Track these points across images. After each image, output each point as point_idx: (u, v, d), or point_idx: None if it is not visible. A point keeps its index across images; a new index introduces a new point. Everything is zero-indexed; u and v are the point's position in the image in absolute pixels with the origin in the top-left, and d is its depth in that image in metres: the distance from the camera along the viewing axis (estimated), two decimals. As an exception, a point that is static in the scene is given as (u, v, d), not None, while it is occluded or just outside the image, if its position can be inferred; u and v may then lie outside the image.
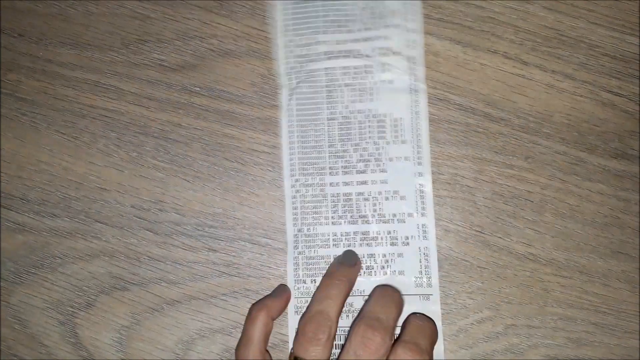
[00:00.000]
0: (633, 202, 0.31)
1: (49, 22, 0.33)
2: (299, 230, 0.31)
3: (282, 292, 0.30)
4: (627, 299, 0.30)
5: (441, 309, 0.30)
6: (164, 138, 0.32)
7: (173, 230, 0.31)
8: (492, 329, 0.30)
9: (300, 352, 0.27)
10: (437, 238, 0.31)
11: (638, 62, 0.31)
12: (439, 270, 0.30)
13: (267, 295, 0.30)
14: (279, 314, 0.29)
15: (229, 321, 0.31)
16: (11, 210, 0.32)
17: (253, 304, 0.29)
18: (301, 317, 0.28)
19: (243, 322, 0.29)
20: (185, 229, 0.31)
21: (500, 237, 0.31)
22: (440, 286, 0.30)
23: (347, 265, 0.29)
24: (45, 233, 0.32)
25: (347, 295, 0.29)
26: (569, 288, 0.30)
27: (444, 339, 0.30)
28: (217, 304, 0.31)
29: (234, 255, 0.31)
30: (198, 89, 0.32)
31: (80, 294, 0.31)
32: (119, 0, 0.32)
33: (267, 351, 0.29)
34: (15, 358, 0.31)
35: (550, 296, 0.30)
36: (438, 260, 0.30)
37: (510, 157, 0.31)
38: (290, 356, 0.27)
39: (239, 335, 0.29)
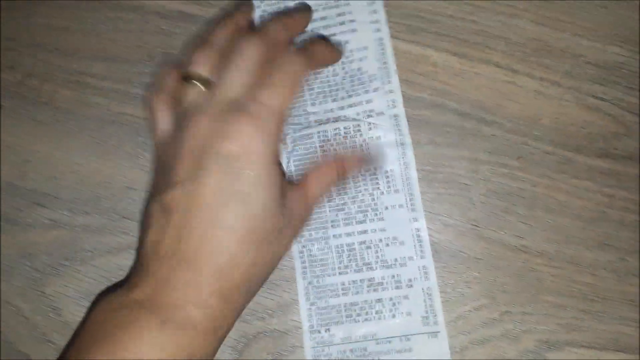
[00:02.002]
0: (617, 198, 0.33)
1: (82, 37, 0.36)
2: (309, 283, 0.33)
3: (171, 64, 0.31)
4: (612, 287, 0.32)
5: (440, 297, 0.33)
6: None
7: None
8: (489, 315, 0.33)
9: (190, 68, 0.28)
10: (436, 232, 0.33)
11: (619, 69, 0.34)
12: (437, 262, 0.33)
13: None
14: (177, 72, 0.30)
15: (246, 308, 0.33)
16: (45, 207, 0.35)
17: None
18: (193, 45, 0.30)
19: (259, 309, 0.32)
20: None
21: (494, 231, 0.33)
22: (439, 276, 0.33)
23: (246, 11, 0.33)
24: (76, 229, 0.35)
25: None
26: (559, 277, 0.33)
27: (444, 325, 0.33)
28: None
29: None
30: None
31: (108, 284, 0.34)
32: (144, 17, 0.36)
33: None
34: (49, 343, 0.34)
35: (542, 285, 0.33)
36: (437, 252, 0.33)
37: (503, 157, 0.34)
38: (182, 77, 0.29)
39: (255, 321, 0.32)
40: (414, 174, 0.33)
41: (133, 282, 0.26)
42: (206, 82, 0.28)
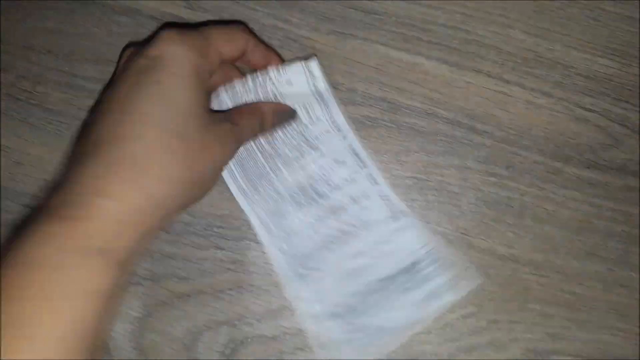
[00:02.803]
0: (604, 209, 0.33)
1: (75, 40, 0.36)
2: (275, 236, 0.33)
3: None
4: (599, 297, 0.33)
5: (429, 305, 0.33)
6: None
7: (184, 229, 0.34)
8: (476, 323, 0.33)
9: None
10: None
11: (608, 81, 0.34)
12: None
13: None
14: None
15: (234, 314, 0.34)
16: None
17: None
18: None
19: (248, 315, 0.32)
20: (195, 228, 0.34)
21: (483, 239, 0.33)
22: (428, 284, 0.33)
23: None
24: (66, 232, 0.35)
25: None
26: (546, 286, 0.33)
27: (430, 332, 0.33)
28: (224, 298, 0.34)
29: (239, 254, 0.34)
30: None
31: (97, 287, 0.34)
32: (138, 20, 0.36)
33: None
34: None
35: (530, 294, 0.33)
36: (426, 260, 0.33)
37: (493, 166, 0.34)
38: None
39: (244, 327, 0.32)
40: (329, 98, 0.33)
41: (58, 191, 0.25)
42: None
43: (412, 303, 0.32)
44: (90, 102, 0.35)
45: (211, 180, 0.29)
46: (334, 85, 0.35)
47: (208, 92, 0.30)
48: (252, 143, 0.33)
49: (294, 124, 0.33)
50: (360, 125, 0.34)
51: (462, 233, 0.33)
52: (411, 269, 0.33)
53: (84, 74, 0.36)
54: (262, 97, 0.32)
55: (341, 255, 0.33)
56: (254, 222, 0.34)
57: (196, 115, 0.26)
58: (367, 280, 0.33)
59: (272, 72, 0.32)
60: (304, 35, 0.35)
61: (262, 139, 0.33)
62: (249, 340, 0.33)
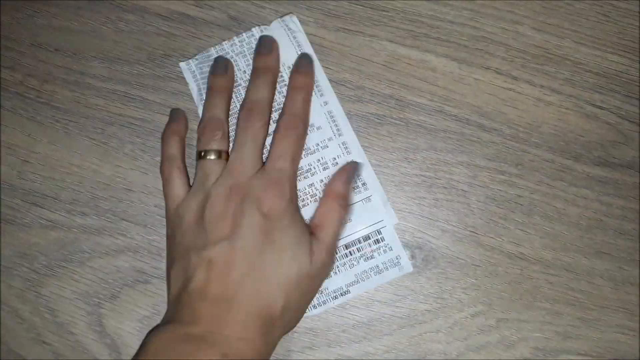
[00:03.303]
0: (615, 207, 0.33)
1: (83, 38, 0.36)
2: None
3: (179, 115, 0.35)
4: (609, 296, 0.32)
5: (438, 303, 0.33)
6: (186, 145, 0.35)
7: (192, 228, 0.34)
8: (485, 322, 0.33)
9: (204, 147, 0.32)
10: (434, 238, 0.33)
11: (618, 78, 0.34)
12: (435, 267, 0.33)
13: (168, 122, 0.35)
14: (185, 132, 0.35)
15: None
16: (44, 208, 0.35)
17: (163, 133, 0.34)
18: (198, 126, 0.33)
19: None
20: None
21: (492, 237, 0.33)
22: (437, 282, 0.33)
23: (220, 74, 0.34)
24: (75, 230, 0.35)
25: (230, 98, 0.34)
26: (556, 285, 0.33)
27: (439, 330, 0.33)
28: (231, 296, 0.34)
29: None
30: (217, 99, 0.35)
31: (106, 286, 0.34)
32: (146, 19, 0.36)
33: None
34: (45, 344, 0.34)
35: (539, 292, 0.33)
36: (435, 258, 0.33)
37: (502, 163, 0.34)
38: (197, 154, 0.32)
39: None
40: (312, 58, 0.34)
41: (186, 320, 0.28)
42: (221, 154, 0.32)
43: (353, 273, 0.33)
44: (98, 101, 0.35)
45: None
46: (341, 83, 0.34)
47: None
48: (235, 104, 0.34)
49: (277, 86, 0.34)
50: (368, 122, 0.34)
51: (471, 231, 0.33)
52: (357, 243, 0.33)
53: (91, 72, 0.36)
54: (248, 55, 0.35)
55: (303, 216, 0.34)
56: None
57: (304, 261, 0.30)
58: None
59: (256, 29, 0.34)
60: (311, 32, 0.35)
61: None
62: (257, 338, 0.33)
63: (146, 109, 0.35)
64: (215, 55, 0.35)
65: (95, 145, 0.35)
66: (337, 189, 0.32)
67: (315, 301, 0.33)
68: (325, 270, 0.31)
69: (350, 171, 0.33)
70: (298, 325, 0.33)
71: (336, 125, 0.34)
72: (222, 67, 0.34)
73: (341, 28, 0.35)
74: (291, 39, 0.34)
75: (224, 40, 0.35)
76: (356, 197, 0.33)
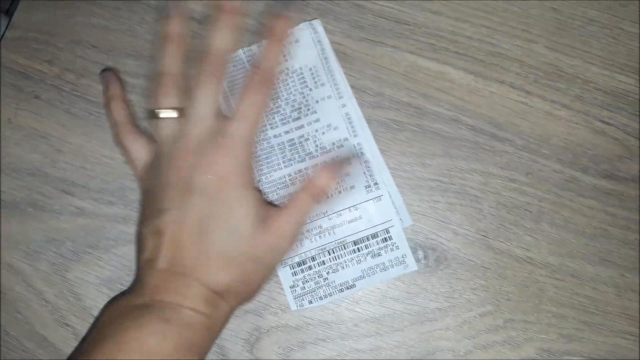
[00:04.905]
0: (619, 217, 0.35)
1: (118, 36, 0.38)
2: (258, 181, 0.36)
3: (109, 76, 0.35)
4: (612, 302, 0.34)
5: (448, 302, 0.34)
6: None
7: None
8: (493, 322, 0.34)
9: (156, 104, 0.31)
10: (446, 240, 0.35)
11: (626, 96, 0.36)
12: (447, 268, 0.34)
13: (103, 89, 0.35)
14: (123, 90, 0.35)
15: (260, 303, 0.35)
16: (74, 196, 0.36)
17: (104, 103, 0.35)
18: (150, 80, 0.32)
19: (273, 305, 0.33)
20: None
21: (502, 242, 0.35)
22: (448, 282, 0.34)
23: (172, 15, 0.32)
24: (101, 218, 0.36)
25: (185, 46, 0.32)
26: (561, 289, 0.34)
27: (448, 329, 0.34)
28: (250, 288, 0.35)
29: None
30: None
31: (129, 273, 0.35)
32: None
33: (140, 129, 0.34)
34: (68, 327, 0.35)
35: (545, 295, 0.34)
36: (446, 259, 0.35)
37: (513, 172, 0.35)
38: (150, 113, 0.31)
39: (269, 316, 0.33)
40: (335, 66, 0.36)
41: (134, 291, 0.30)
42: (180, 111, 0.31)
43: (360, 269, 0.35)
44: (129, 96, 0.37)
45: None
46: (363, 89, 0.36)
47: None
48: None
49: (299, 86, 0.36)
50: (387, 128, 0.36)
51: (482, 235, 0.35)
52: (366, 240, 0.35)
53: (125, 69, 0.37)
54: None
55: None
56: None
57: (256, 233, 0.30)
58: (332, 239, 0.35)
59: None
60: (336, 41, 0.37)
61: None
62: (274, 329, 0.34)
63: (177, 106, 0.37)
64: (244, 58, 0.37)
65: (125, 138, 0.37)
66: (316, 181, 0.31)
67: (321, 292, 0.35)
68: (275, 254, 0.31)
69: (337, 167, 0.32)
70: (312, 317, 0.34)
71: (352, 127, 0.36)
72: (174, 8, 0.32)
73: (365, 38, 0.37)
74: (315, 41, 0.36)
75: (252, 44, 0.37)
76: (367, 195, 0.35)
